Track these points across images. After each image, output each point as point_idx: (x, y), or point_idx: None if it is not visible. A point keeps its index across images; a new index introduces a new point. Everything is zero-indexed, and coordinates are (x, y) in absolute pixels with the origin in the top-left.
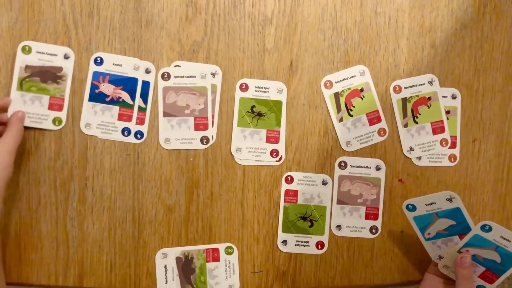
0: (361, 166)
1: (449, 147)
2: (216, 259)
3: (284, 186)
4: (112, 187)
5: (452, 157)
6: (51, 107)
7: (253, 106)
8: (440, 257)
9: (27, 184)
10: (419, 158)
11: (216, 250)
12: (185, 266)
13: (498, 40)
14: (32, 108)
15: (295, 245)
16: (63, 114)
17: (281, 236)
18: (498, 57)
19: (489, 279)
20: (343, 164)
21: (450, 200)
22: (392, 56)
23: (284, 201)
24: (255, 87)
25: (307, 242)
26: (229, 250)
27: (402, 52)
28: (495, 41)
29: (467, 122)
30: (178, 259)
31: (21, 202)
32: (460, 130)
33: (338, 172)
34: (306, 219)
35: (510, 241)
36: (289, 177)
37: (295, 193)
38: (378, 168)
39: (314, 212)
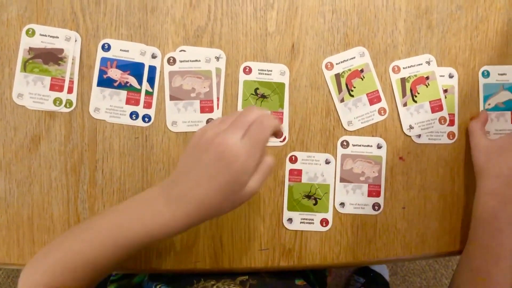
0: (362, 145)
1: (448, 125)
2: None
3: (289, 166)
4: (122, 170)
5: (451, 135)
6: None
7: (256, 89)
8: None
9: (39, 168)
10: (419, 136)
11: None
12: None
13: (493, 20)
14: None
15: (300, 222)
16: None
17: (286, 214)
18: (493, 37)
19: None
20: (345, 143)
21: None
22: (390, 38)
23: (289, 180)
24: (258, 70)
25: (312, 219)
26: None
27: (400, 34)
28: (490, 21)
29: (464, 100)
30: None
31: (33, 186)
32: (458, 108)
33: (340, 151)
34: (311, 198)
35: (506, 74)
36: (293, 157)
37: (299, 172)
38: (379, 147)
39: (318, 190)
